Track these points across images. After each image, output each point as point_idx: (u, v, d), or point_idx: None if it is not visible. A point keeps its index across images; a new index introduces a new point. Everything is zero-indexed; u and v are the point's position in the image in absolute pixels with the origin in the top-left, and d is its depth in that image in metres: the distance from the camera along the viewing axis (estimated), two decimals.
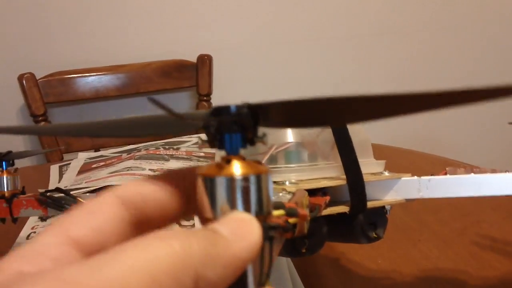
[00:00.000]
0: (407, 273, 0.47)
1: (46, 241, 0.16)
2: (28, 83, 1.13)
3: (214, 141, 0.19)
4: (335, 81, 1.41)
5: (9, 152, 0.46)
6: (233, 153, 0.18)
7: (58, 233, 0.17)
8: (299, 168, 0.37)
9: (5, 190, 0.45)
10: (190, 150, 0.80)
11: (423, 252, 0.51)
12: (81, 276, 0.13)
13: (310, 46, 1.40)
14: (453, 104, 0.15)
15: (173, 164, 0.74)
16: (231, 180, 0.18)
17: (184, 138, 0.86)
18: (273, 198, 0.28)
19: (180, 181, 0.19)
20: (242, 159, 0.18)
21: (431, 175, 0.37)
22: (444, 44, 1.47)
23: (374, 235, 0.38)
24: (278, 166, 0.37)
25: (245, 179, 0.18)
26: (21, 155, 0.47)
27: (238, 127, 0.18)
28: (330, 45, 1.41)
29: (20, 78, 1.13)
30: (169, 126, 0.21)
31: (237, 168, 0.18)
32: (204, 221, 0.18)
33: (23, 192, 0.46)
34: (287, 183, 0.34)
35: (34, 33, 1.21)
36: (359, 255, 0.50)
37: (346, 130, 0.36)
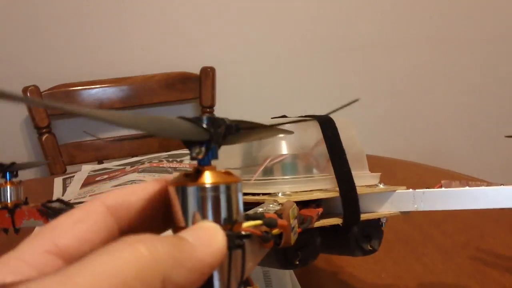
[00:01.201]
0: (411, 287, 0.47)
1: (31, 250, 0.16)
2: (32, 96, 1.14)
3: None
4: (338, 92, 1.41)
5: (13, 164, 0.46)
6: (204, 163, 0.19)
7: (44, 241, 0.17)
8: (294, 179, 0.37)
9: (8, 200, 0.45)
10: (193, 163, 0.80)
11: (427, 266, 0.51)
12: (54, 285, 0.13)
13: (313, 58, 1.40)
14: None
15: None
16: (201, 189, 0.18)
17: (188, 151, 0.86)
18: (263, 209, 0.28)
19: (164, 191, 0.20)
20: (213, 169, 0.19)
21: (426, 188, 0.37)
22: (450, 55, 1.48)
23: (369, 248, 0.38)
24: (273, 177, 0.37)
25: (215, 188, 0.18)
26: (25, 166, 0.47)
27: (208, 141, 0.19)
28: (334, 57, 1.42)
29: (25, 90, 1.14)
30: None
31: (207, 178, 0.18)
32: (177, 230, 0.18)
33: (26, 203, 0.46)
34: (280, 194, 0.34)
35: (38, 46, 1.22)
36: (363, 269, 0.50)
37: (340, 142, 0.36)
